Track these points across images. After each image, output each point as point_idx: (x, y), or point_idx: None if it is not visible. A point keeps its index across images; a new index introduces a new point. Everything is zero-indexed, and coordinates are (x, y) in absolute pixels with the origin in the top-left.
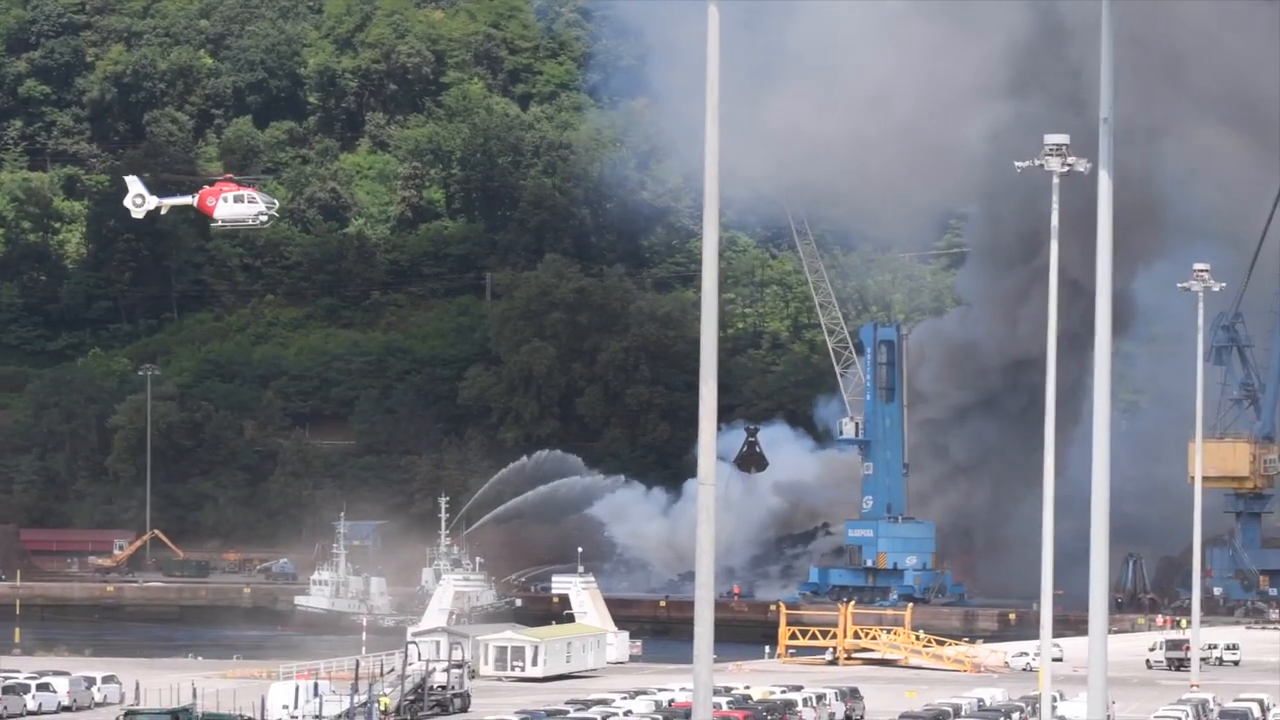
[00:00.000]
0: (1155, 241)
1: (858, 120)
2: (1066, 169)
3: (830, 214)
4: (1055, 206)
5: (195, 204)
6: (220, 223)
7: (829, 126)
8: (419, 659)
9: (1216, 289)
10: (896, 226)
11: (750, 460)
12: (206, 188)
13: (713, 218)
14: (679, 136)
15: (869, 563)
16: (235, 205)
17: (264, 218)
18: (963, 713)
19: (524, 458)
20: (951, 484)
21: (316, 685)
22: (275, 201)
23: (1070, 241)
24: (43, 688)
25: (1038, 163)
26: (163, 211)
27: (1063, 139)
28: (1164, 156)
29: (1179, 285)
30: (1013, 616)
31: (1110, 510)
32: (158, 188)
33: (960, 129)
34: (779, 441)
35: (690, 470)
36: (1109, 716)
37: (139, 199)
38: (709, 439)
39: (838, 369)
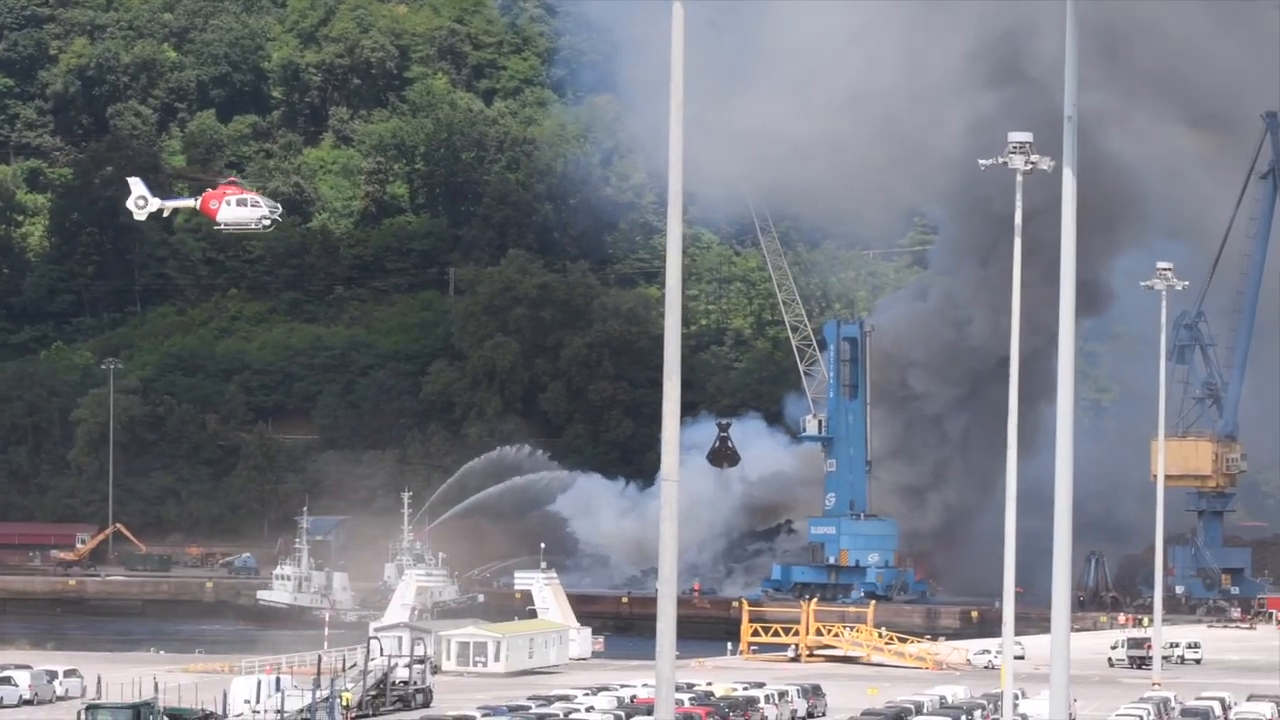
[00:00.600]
0: (1133, 234)
1: (831, 117)
2: (1030, 167)
3: (801, 212)
4: (1019, 205)
5: (198, 207)
6: (223, 226)
7: (801, 124)
8: (381, 654)
9: (1180, 287)
10: (867, 224)
11: (722, 456)
12: (210, 190)
13: (676, 214)
14: (646, 134)
15: (831, 560)
16: (239, 209)
17: (267, 221)
18: (924, 710)
19: (489, 454)
20: (931, 479)
21: (279, 680)
22: (279, 206)
23: (1052, 229)
24: (4, 681)
25: (1001, 160)
26: (165, 214)
27: (1026, 137)
28: (1138, 149)
29: (1142, 284)
30: (975, 614)
31: (1074, 508)
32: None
33: (937, 123)
34: (754, 436)
35: (654, 466)
36: (1071, 715)
37: (141, 200)
38: (672, 435)
39: (801, 366)
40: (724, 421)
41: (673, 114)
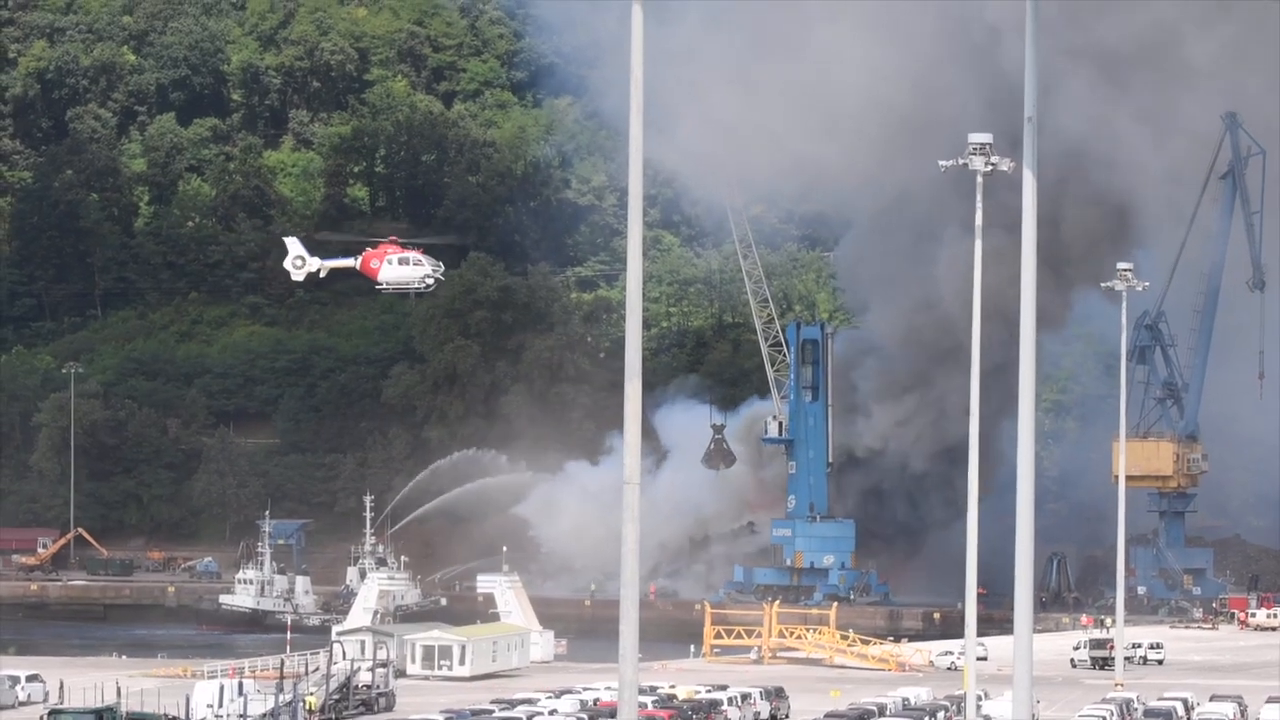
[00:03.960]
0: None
1: (815, 116)
2: (990, 168)
3: (767, 213)
4: (979, 205)
5: (358, 266)
6: (385, 286)
7: (787, 121)
8: (344, 658)
9: (1140, 288)
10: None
11: (718, 457)
12: (369, 250)
13: (637, 217)
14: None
15: (789, 562)
16: (400, 268)
17: (430, 280)
18: (888, 712)
19: (451, 457)
20: (896, 479)
21: (241, 684)
22: (440, 265)
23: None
24: None
25: (961, 162)
26: (322, 274)
27: (986, 138)
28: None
29: (1103, 284)
30: (938, 616)
31: (1035, 509)
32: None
33: (927, 124)
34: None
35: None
36: (1034, 716)
37: (299, 261)
38: (634, 438)
39: (771, 371)
40: (718, 422)
41: (633, 116)
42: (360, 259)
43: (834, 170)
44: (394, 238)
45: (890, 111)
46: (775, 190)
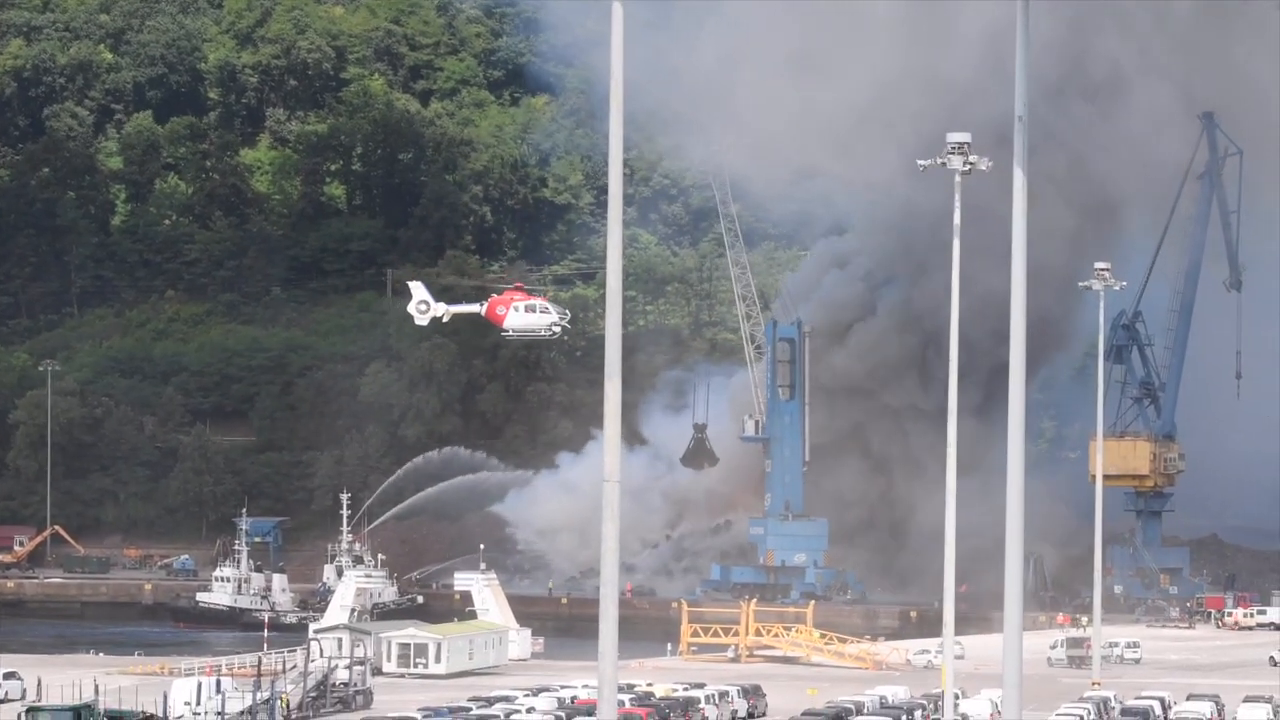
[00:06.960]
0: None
1: (821, 110)
2: (969, 168)
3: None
4: (957, 205)
5: (484, 313)
6: (510, 332)
7: (782, 112)
8: (321, 656)
9: (1118, 288)
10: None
11: (700, 456)
12: (495, 296)
13: (616, 215)
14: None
15: (761, 560)
16: (526, 315)
17: (557, 329)
18: (865, 710)
19: (430, 454)
20: (873, 477)
21: (219, 682)
22: (567, 312)
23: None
24: None
25: (940, 161)
26: (445, 319)
27: (964, 137)
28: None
29: (1080, 284)
30: (914, 614)
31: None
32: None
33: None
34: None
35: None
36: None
37: (423, 305)
38: (613, 436)
39: (752, 369)
40: (700, 422)
41: (613, 114)
42: (486, 305)
43: (850, 173)
44: (519, 284)
45: (910, 119)
46: (774, 191)
